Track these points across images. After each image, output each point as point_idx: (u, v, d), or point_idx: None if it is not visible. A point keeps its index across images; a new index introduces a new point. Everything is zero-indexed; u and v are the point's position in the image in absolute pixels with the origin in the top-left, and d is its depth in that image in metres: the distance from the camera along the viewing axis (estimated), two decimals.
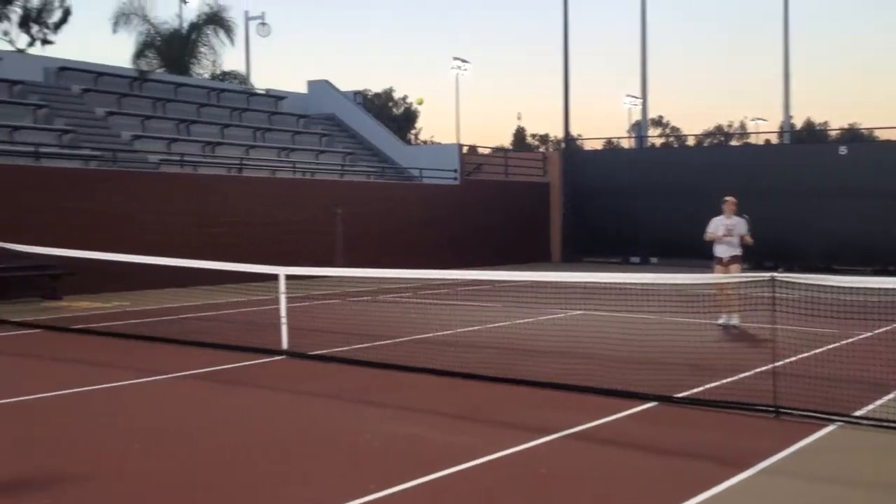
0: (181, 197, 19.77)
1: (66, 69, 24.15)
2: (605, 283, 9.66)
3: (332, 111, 30.38)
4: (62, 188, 17.79)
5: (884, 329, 11.18)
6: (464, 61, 65.23)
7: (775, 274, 7.96)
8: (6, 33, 32.47)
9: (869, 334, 11.36)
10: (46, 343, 11.86)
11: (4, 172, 17.22)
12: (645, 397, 8.22)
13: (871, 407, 7.78)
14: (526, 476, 6.04)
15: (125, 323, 13.40)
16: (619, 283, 10.86)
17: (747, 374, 9.14)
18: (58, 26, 34.46)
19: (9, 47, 31.21)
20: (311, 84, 31.38)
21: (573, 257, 28.98)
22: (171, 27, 32.96)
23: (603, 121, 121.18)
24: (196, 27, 33.08)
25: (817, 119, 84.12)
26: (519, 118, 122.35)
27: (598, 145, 38.48)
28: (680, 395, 8.30)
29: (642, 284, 10.72)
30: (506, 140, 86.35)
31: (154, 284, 17.40)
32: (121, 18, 31.24)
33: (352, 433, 7.07)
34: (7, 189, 16.78)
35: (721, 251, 13.22)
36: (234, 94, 28.96)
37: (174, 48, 32.48)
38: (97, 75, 24.69)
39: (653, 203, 27.64)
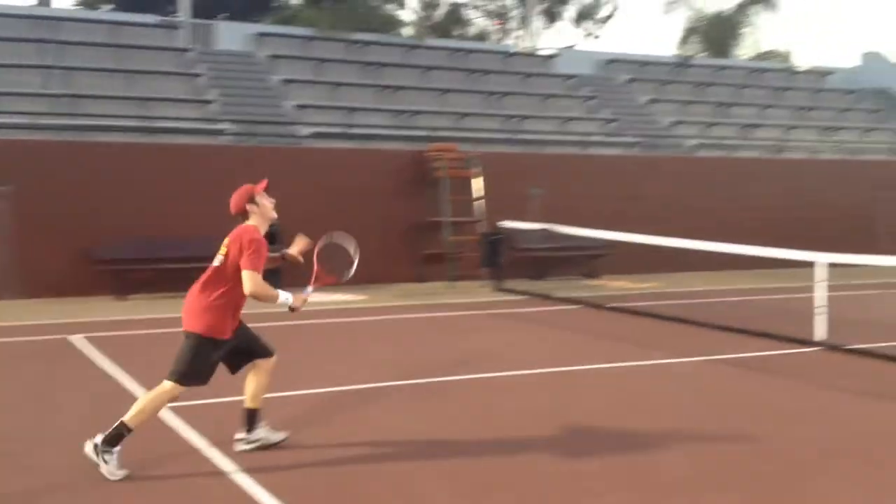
0: (716, 181, 19.89)
1: (614, 61, 25.72)
2: None
3: (886, 84, 27.77)
4: (604, 174, 19.09)
5: None
6: None
7: None
8: (561, 31, 35.84)
9: None
10: (585, 318, 12.90)
11: (555, 161, 19.00)
12: None
13: None
14: None
15: (657, 304, 13.96)
16: None
17: None
18: (605, 21, 36.99)
19: (563, 44, 34.28)
20: (865, 56, 29.06)
21: None
22: (713, 11, 33.22)
23: None
24: (739, 7, 32.84)
25: None
26: None
27: None
28: None
29: None
30: None
31: (685, 267, 17.81)
32: (671, 6, 32.44)
33: (892, 436, 6.54)
34: (557, 178, 18.47)
35: None
36: (775, 73, 28.12)
37: (716, 30, 32.67)
38: (641, 65, 25.87)
39: None
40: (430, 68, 22.32)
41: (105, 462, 5.31)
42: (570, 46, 31.03)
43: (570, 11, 35.95)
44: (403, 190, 17.41)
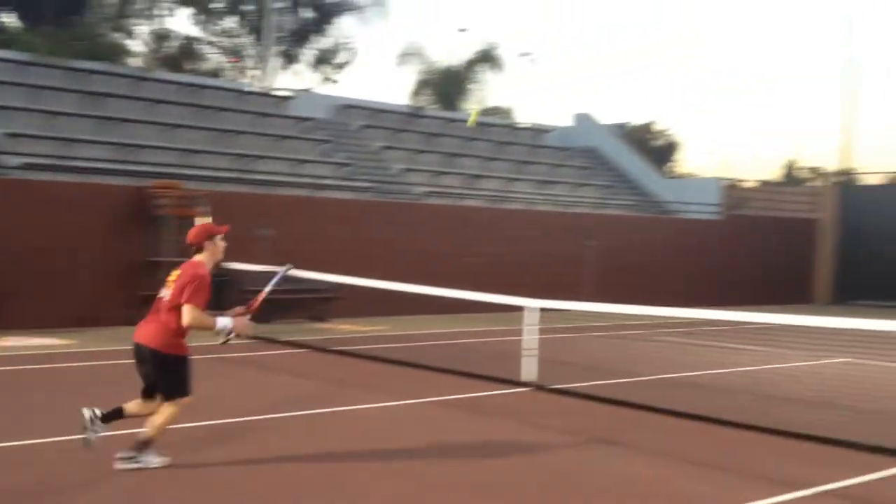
0: (442, 227, 20.71)
1: (350, 106, 26.19)
2: (874, 329, 8.95)
3: (594, 144, 30.50)
4: (336, 217, 19.27)
5: None
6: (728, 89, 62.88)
7: None
8: (298, 73, 35.95)
9: None
10: (311, 362, 12.85)
11: (286, 202, 18.93)
12: None
13: None
14: None
15: (382, 346, 14.22)
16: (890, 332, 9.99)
17: None
18: (343, 66, 37.64)
19: (300, 86, 34.47)
20: (576, 117, 31.74)
21: (842, 300, 26.94)
22: (445, 65, 34.86)
23: (890, 154, 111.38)
24: (468, 64, 34.72)
25: None
26: (790, 150, 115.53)
27: (880, 180, 35.43)
28: None
29: None
30: (773, 172, 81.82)
31: (414, 311, 18.29)
32: (403, 58, 33.63)
33: (590, 473, 7.06)
34: (288, 219, 18.40)
35: None
36: (498, 128, 29.94)
37: (447, 85, 34.31)
38: (375, 111, 26.55)
39: None
40: (158, 101, 21.50)
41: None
42: (307, 89, 31.23)
43: (308, 55, 36.25)
44: (122, 227, 16.50)
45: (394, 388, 10.38)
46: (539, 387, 10.57)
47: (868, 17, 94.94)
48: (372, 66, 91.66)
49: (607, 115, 58.29)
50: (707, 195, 26.64)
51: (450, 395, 10.04)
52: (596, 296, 20.62)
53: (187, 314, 6.36)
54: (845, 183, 29.70)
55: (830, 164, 75.79)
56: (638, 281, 22.92)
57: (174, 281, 6.58)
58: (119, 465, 6.46)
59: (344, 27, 35.97)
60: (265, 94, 25.96)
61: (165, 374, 6.49)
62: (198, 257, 6.73)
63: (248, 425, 8.34)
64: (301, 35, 35.34)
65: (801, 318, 9.51)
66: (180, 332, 6.49)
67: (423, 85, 34.10)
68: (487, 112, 35.75)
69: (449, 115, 29.69)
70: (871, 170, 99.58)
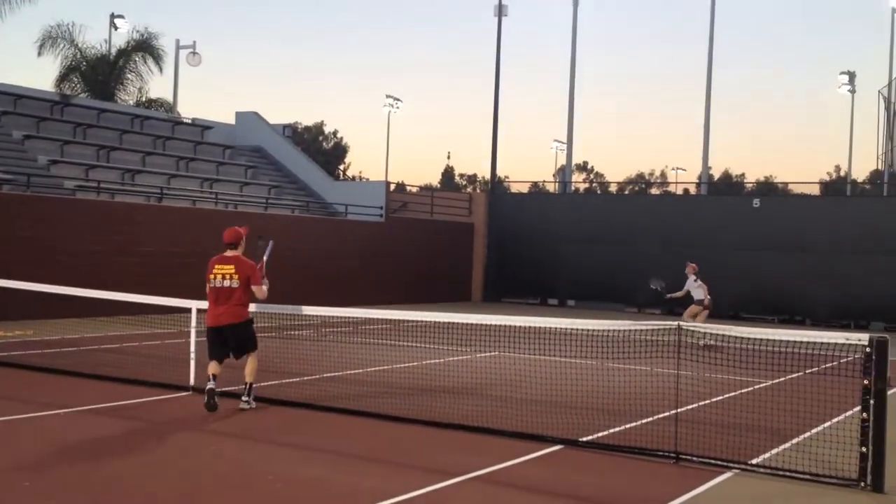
0: (95, 225, 19.34)
1: None
2: (517, 325, 9.80)
3: (260, 143, 30.21)
4: None
5: (783, 379, 11.53)
6: (396, 99, 65.65)
7: (681, 322, 8.20)
8: None
9: (769, 383, 11.70)
10: None
11: None
12: (552, 440, 8.33)
13: (767, 455, 8.00)
14: None
15: (25, 353, 12.96)
16: (532, 326, 10.98)
17: (650, 419, 9.32)
18: None
19: None
20: (240, 115, 31.18)
21: (493, 298, 29.25)
22: (98, 52, 32.47)
23: (530, 165, 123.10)
24: (124, 53, 32.65)
25: (735, 171, 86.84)
26: (448, 157, 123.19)
27: (525, 188, 38.97)
28: (584, 438, 8.42)
29: (556, 328, 10.89)
30: (434, 179, 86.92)
31: (62, 314, 16.89)
32: (47, 42, 30.61)
33: (255, 474, 6.97)
34: None
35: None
36: (158, 121, 28.58)
37: (100, 73, 31.97)
38: (17, 98, 24.11)
39: (573, 247, 28.13)
40: None
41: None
42: None
43: None
44: None
45: (40, 398, 9.49)
46: (201, 390, 10.22)
47: (512, 31, 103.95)
48: (13, 50, 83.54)
49: (274, 115, 58.09)
50: (373, 198, 27.51)
51: (102, 404, 9.40)
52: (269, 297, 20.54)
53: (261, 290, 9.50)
54: (494, 189, 32.18)
55: (482, 171, 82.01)
56: (304, 281, 23.11)
57: (232, 273, 9.26)
58: (243, 406, 9.30)
59: None
60: None
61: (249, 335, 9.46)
62: (238, 253, 9.42)
63: None
64: None
65: (453, 316, 10.14)
66: (247, 304, 9.43)
67: (70, 72, 31.45)
68: (146, 104, 34.00)
69: (102, 105, 27.78)
70: (518, 178, 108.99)
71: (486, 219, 30.25)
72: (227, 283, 9.25)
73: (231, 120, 31.15)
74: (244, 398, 9.40)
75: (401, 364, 13.12)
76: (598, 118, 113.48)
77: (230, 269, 9.30)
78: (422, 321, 14.52)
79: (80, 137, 24.11)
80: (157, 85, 71.67)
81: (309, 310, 10.85)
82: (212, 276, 9.33)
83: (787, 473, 7.39)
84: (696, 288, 17.70)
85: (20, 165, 20.93)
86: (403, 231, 27.49)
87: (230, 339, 9.39)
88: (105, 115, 26.18)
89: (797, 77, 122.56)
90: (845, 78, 49.52)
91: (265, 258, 10.20)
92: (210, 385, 9.13)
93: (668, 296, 18.42)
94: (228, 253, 9.45)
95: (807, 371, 9.76)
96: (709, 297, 17.69)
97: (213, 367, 9.33)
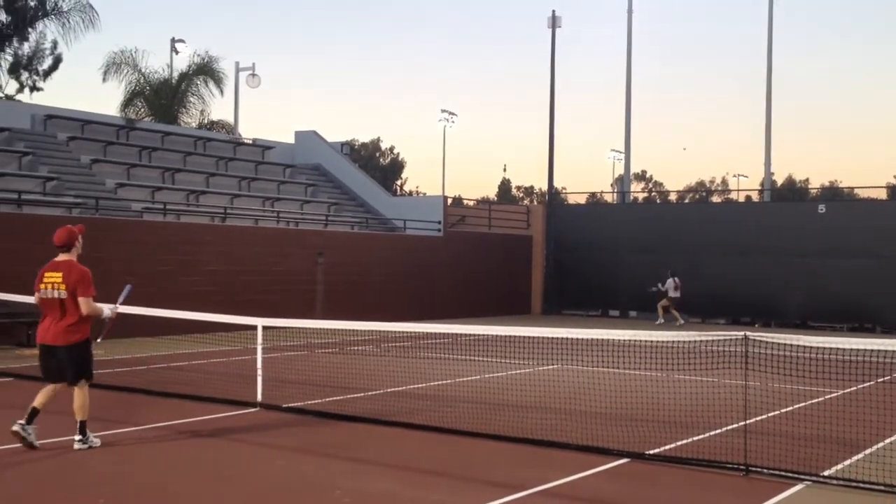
0: (161, 245, 19.80)
1: (54, 117, 24.31)
2: (579, 337, 9.75)
3: (319, 161, 30.63)
4: (43, 234, 17.76)
5: (854, 388, 11.27)
6: (451, 113, 65.97)
7: (748, 332, 8.07)
8: None
9: (839, 393, 11.44)
10: (13, 392, 11.76)
11: None
12: (618, 453, 8.26)
13: (839, 466, 7.84)
14: None
15: (97, 372, 13.29)
16: (595, 338, 10.92)
17: (719, 431, 9.18)
18: (48, 73, 34.82)
19: None
20: (299, 134, 31.67)
21: (553, 310, 29.12)
22: (161, 77, 33.28)
23: (587, 175, 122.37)
24: (186, 77, 33.39)
25: (798, 176, 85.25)
26: (504, 170, 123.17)
27: (582, 199, 38.75)
28: (651, 451, 8.34)
29: (619, 340, 10.81)
30: (491, 192, 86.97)
31: (132, 333, 17.32)
32: (111, 68, 31.47)
33: (322, 489, 7.06)
34: None
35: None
36: (220, 143, 29.17)
37: (163, 97, 32.74)
38: (84, 123, 24.85)
39: (633, 257, 27.89)
40: None
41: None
42: (11, 97, 28.58)
43: (6, 60, 33.11)
44: None
45: (111, 416, 9.75)
46: (271, 406, 10.41)
47: (566, 42, 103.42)
48: (80, 77, 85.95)
49: (331, 132, 58.79)
50: (431, 213, 27.66)
51: (172, 421, 9.60)
52: (327, 312, 20.83)
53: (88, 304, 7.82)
54: (552, 201, 32.11)
55: (540, 183, 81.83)
56: (366, 297, 23.32)
57: (59, 282, 7.80)
58: (78, 447, 7.93)
59: (46, 33, 33.06)
60: None
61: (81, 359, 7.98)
62: (69, 257, 7.96)
63: None
64: None
65: (514, 329, 10.14)
66: (84, 319, 7.92)
67: (134, 96, 32.26)
68: (208, 126, 34.71)
69: (166, 128, 28.47)
70: (575, 189, 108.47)
71: (545, 231, 30.17)
72: (55, 293, 7.90)
73: (291, 139, 31.69)
74: (77, 437, 8.02)
75: (463, 378, 13.15)
76: (655, 126, 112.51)
77: (58, 276, 7.92)
78: (483, 335, 14.54)
79: (145, 160, 24.72)
80: (218, 107, 73.41)
81: (371, 325, 10.95)
82: (42, 286, 8.03)
83: (861, 485, 7.22)
84: (673, 289, 25.25)
85: (89, 189, 21.55)
86: (462, 244, 27.56)
87: (63, 361, 8.08)
88: (169, 138, 26.82)
89: (861, 76, 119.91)
90: None
91: (119, 301, 8.93)
92: (17, 425, 7.87)
93: (654, 288, 25.25)
94: (60, 258, 8.08)
95: (878, 380, 9.53)
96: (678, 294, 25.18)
97: (41, 397, 8.09)
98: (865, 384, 10.48)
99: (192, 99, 33.57)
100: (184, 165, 25.48)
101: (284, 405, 10.48)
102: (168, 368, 14.17)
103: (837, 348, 8.39)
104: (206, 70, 33.16)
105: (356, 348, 17.07)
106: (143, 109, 32.33)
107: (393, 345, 17.10)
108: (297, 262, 22.31)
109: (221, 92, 33.54)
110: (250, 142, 30.66)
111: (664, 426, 9.40)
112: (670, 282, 25.24)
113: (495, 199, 76.68)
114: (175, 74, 34.16)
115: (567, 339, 10.18)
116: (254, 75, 36.24)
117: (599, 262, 28.40)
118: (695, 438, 8.94)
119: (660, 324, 24.99)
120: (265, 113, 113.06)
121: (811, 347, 8.27)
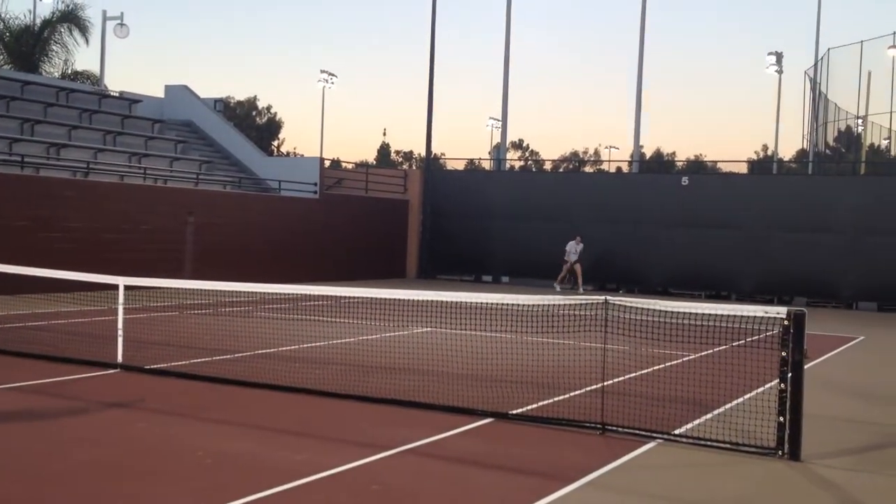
0: (19, 200, 18.80)
1: None
2: (451, 300, 9.88)
3: (190, 118, 29.65)
4: None
5: (709, 352, 11.86)
6: (331, 74, 64.92)
7: (608, 297, 8.35)
8: None
9: (694, 356, 12.02)
10: None
11: None
12: (482, 413, 8.45)
13: (690, 426, 8.25)
14: (359, 493, 6.09)
15: None
16: (466, 302, 11.08)
17: (578, 392, 9.51)
18: None
19: None
20: (169, 89, 30.54)
21: (428, 274, 29.35)
22: (22, 22, 31.45)
23: (467, 142, 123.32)
24: (49, 23, 31.67)
25: (667, 150, 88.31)
26: (384, 134, 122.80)
27: (461, 165, 39.07)
28: (514, 411, 8.57)
29: (488, 304, 11.01)
30: (370, 156, 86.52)
31: None
32: None
33: (185, 450, 6.93)
34: None
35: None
36: (85, 94, 27.80)
37: (24, 44, 30.97)
38: None
39: (507, 224, 28.34)
40: None
41: None
42: None
43: None
44: None
45: None
46: (133, 367, 10.12)
47: (447, 7, 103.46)
48: None
49: (205, 89, 57.01)
50: (307, 174, 27.27)
51: (30, 381, 9.21)
52: (197, 273, 20.32)
53: None
54: (429, 167, 32.19)
55: (419, 148, 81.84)
56: (239, 258, 22.87)
57: None
58: None
59: None
60: None
61: None
62: None
63: None
64: None
65: (389, 292, 10.17)
66: None
67: None
68: (72, 77, 33.03)
69: (26, 77, 26.92)
70: (454, 156, 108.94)
71: (422, 196, 30.25)
72: None
73: (160, 94, 30.50)
74: None
75: (337, 340, 13.12)
76: (533, 97, 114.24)
77: None
78: (357, 297, 14.53)
79: (2, 110, 23.33)
80: (83, 57, 69.80)
81: (242, 286, 10.76)
82: None
83: (709, 443, 7.64)
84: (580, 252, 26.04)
85: None
86: (338, 208, 27.34)
87: None
88: (29, 87, 25.36)
89: (727, 58, 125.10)
90: (773, 59, 50.61)
91: None
92: None
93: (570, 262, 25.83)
94: None
95: (733, 344, 10.05)
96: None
97: None
98: (719, 348, 11.01)
99: (55, 47, 31.98)
100: (44, 117, 24.19)
101: (147, 367, 10.20)
102: (24, 328, 13.55)
103: (694, 313, 8.79)
104: (70, 17, 31.56)
105: (230, 310, 16.75)
106: (1, 56, 30.51)
107: (269, 307, 16.86)
108: (165, 221, 21.63)
109: (87, 41, 32.06)
110: (117, 94, 29.36)
111: (527, 387, 9.67)
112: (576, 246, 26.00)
113: (374, 163, 76.28)
114: (38, 21, 32.36)
115: (439, 302, 10.28)
116: (122, 25, 34.67)
117: (474, 228, 28.73)
118: (556, 399, 9.23)
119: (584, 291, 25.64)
120: (134, 66, 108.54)
121: (669, 312, 8.64)
